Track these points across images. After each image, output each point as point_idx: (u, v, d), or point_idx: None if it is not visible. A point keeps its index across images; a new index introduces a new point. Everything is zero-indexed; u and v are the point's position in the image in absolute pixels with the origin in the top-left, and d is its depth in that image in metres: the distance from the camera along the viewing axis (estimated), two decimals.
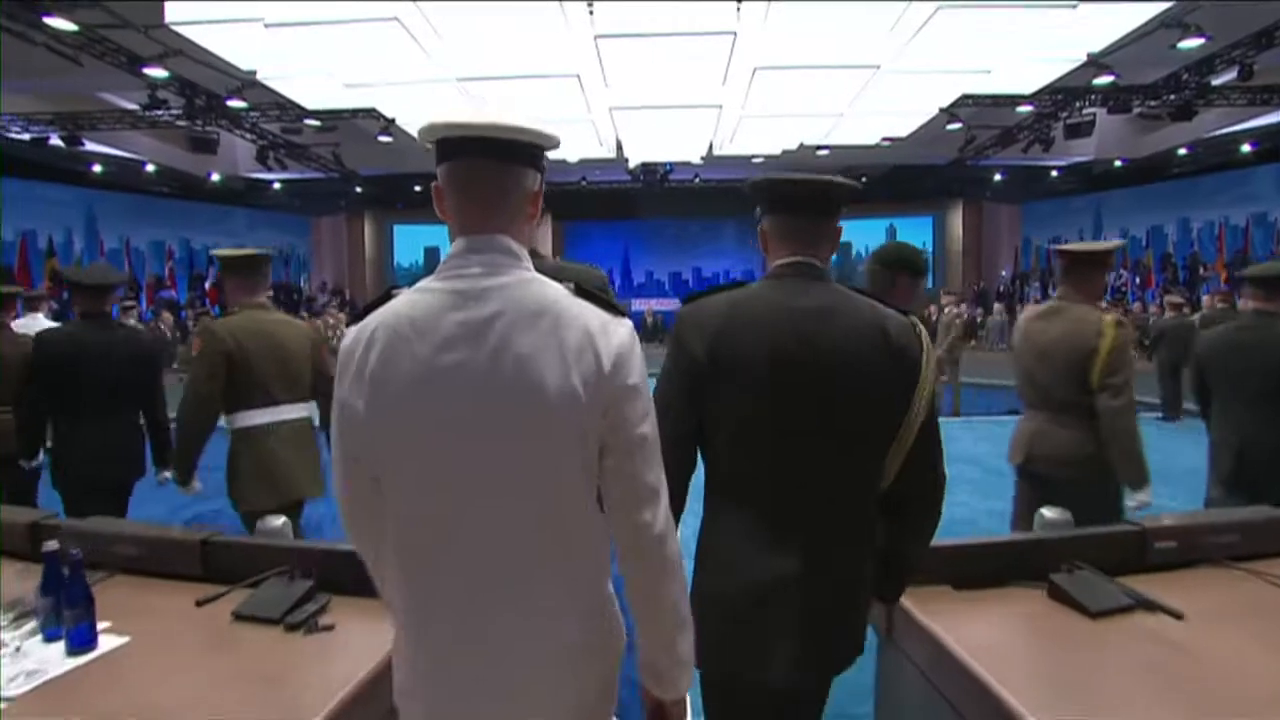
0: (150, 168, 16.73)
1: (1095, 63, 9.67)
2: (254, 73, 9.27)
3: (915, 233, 20.43)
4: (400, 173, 18.62)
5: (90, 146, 15.52)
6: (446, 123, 1.13)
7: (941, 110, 10.53)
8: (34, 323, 5.62)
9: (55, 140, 14.00)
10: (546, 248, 21.82)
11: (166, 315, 13.17)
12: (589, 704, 1.17)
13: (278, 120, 13.29)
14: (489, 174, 1.15)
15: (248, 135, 14.39)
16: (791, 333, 1.41)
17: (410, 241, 21.13)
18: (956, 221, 20.10)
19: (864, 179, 19.72)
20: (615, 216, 22.11)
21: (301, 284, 20.47)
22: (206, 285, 18.68)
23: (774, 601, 1.40)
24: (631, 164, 16.45)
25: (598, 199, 21.36)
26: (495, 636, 1.11)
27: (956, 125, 13.00)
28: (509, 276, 1.12)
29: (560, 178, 19.62)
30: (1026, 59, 7.71)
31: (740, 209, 22.27)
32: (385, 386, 1.08)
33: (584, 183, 19.45)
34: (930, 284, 20.69)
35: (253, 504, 2.80)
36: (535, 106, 8.66)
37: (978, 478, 6.39)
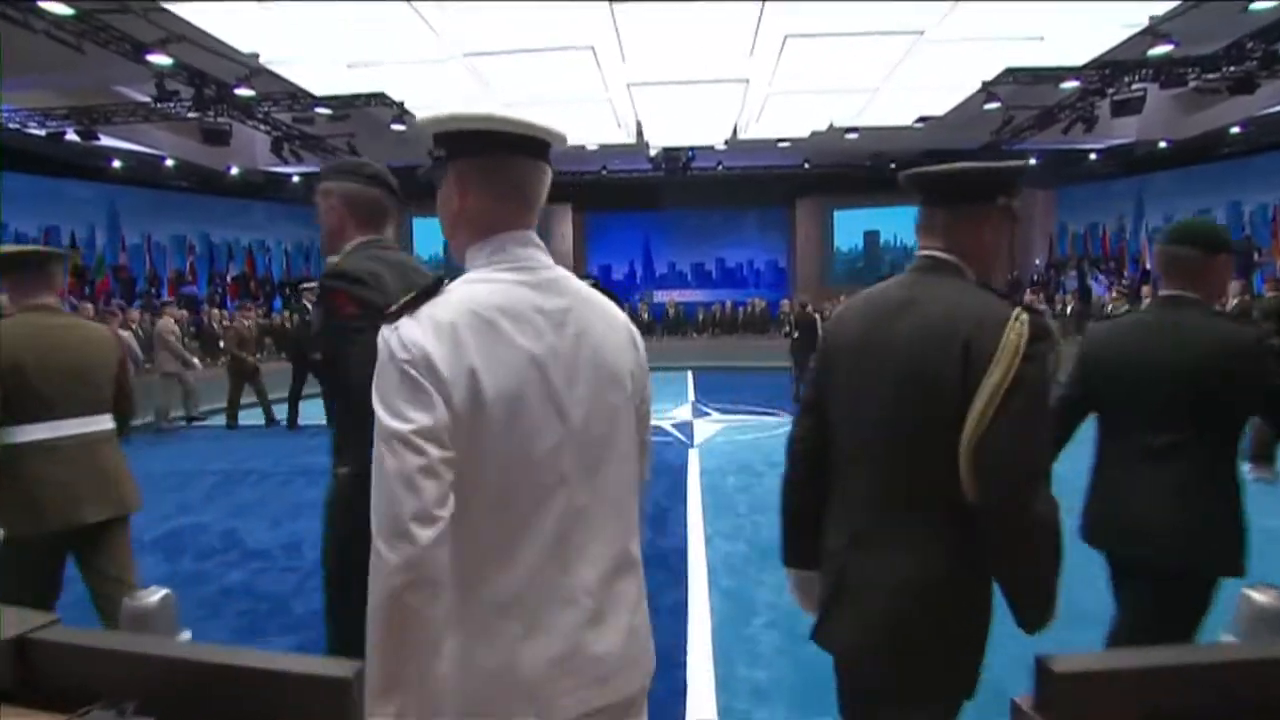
0: (170, 162, 16.49)
1: (1153, 30, 8.84)
2: (256, 55, 8.79)
3: None
4: (418, 164, 17.83)
5: (110, 142, 15.29)
6: (506, 119, 1.13)
7: (983, 85, 9.74)
8: None
9: (72, 135, 13.68)
10: (567, 239, 21.26)
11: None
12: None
13: (289, 110, 12.82)
14: (539, 174, 1.18)
15: (261, 127, 13.94)
16: (869, 327, 1.42)
17: (430, 233, 20.61)
18: None
19: (894, 164, 18.88)
20: (636, 207, 21.44)
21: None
22: (228, 280, 18.36)
23: (827, 571, 1.46)
24: (652, 151, 15.76)
25: (618, 189, 20.73)
26: (607, 599, 1.12)
27: (994, 105, 12.15)
28: (558, 270, 1.17)
29: (580, 167, 19.01)
30: (1083, 24, 6.93)
31: (763, 199, 21.51)
32: (493, 375, 1.02)
33: (604, 172, 18.80)
34: None
35: (10, 528, 2.36)
36: (548, 83, 8.05)
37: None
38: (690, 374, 13.80)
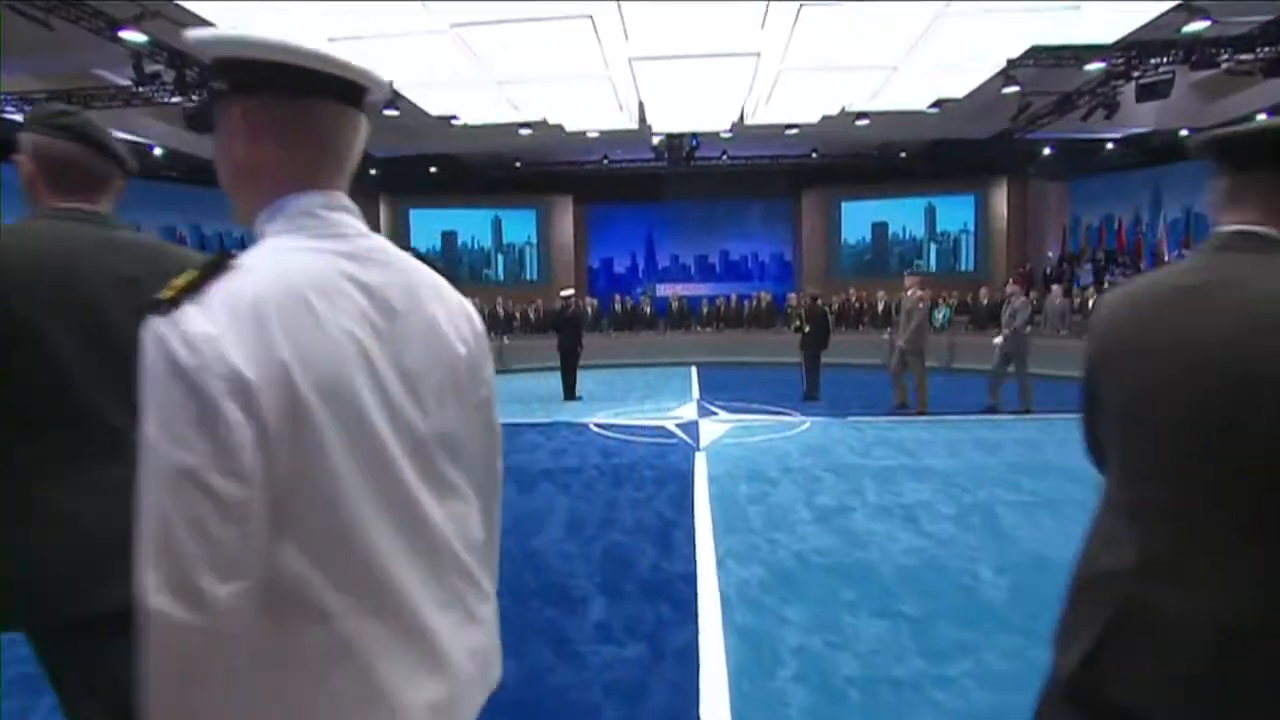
0: (158, 151, 15.92)
1: (1189, 4, 8.23)
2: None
3: (957, 212, 18.90)
4: (413, 154, 17.54)
5: None
6: (312, 52, 0.89)
7: (1007, 64, 9.12)
8: None
9: None
10: (568, 232, 20.67)
11: None
12: None
13: None
14: (353, 125, 0.96)
15: None
16: (1159, 316, 1.14)
17: (426, 225, 20.03)
18: (1000, 200, 18.49)
19: (904, 154, 18.24)
20: (638, 199, 20.80)
21: None
22: None
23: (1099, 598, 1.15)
24: (655, 139, 15.13)
25: (620, 180, 20.10)
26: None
27: (1013, 89, 11.51)
28: (376, 238, 0.97)
29: (581, 158, 18.39)
30: None
31: (768, 190, 20.88)
32: (310, 369, 0.80)
33: (606, 162, 18.16)
34: (973, 266, 19.17)
35: None
36: (544, 57, 7.43)
37: (1092, 500, 5.02)
38: (694, 370, 13.21)
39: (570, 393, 9.79)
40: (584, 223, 21.00)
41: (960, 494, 5.12)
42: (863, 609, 3.30)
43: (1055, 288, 12.82)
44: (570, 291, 10.35)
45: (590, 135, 14.42)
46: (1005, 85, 11.38)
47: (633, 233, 21.26)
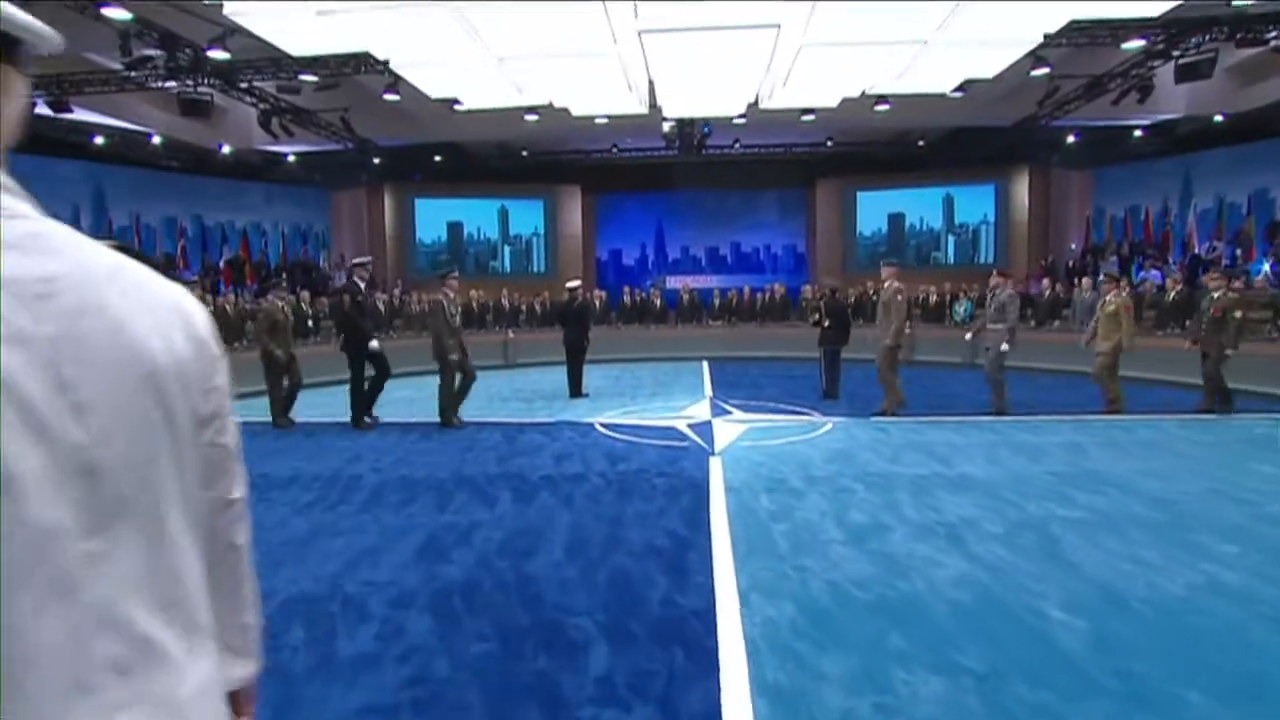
0: (157, 139, 15.44)
1: None
2: (219, 5, 7.66)
3: (976, 202, 18.21)
4: (419, 143, 17.01)
5: (93, 117, 14.27)
6: None
7: (1043, 38, 8.47)
8: None
9: (43, 109, 12.61)
10: (576, 222, 20.12)
11: None
12: None
13: (273, 78, 11.68)
14: (5, 84, 0.78)
15: (246, 99, 12.82)
16: None
17: (432, 215, 19.50)
18: (1021, 190, 17.80)
19: (921, 142, 17.56)
20: (648, 189, 20.21)
21: (320, 262, 19.00)
22: (220, 264, 17.31)
23: None
24: (666, 126, 14.52)
25: (629, 170, 19.53)
26: None
27: (1042, 71, 10.85)
28: (49, 223, 0.79)
29: (589, 146, 17.81)
30: None
31: (781, 180, 20.23)
32: None
33: (615, 151, 17.57)
34: (993, 258, 18.45)
35: None
36: (548, 31, 6.87)
37: (1155, 519, 4.44)
38: (706, 365, 12.65)
39: (576, 389, 9.27)
40: (592, 213, 20.43)
41: (1006, 509, 4.55)
42: (916, 661, 2.75)
43: (1085, 280, 12.14)
44: (577, 283, 9.80)
45: (599, 121, 13.85)
46: (1034, 67, 10.74)
47: (642, 223, 20.67)
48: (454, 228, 19.57)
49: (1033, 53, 9.85)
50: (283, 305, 7.76)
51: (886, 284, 8.00)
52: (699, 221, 20.54)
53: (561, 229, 19.85)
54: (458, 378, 7.48)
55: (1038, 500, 4.71)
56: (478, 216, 19.61)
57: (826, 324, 9.04)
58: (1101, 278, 8.19)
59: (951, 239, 18.48)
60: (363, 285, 7.43)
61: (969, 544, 3.95)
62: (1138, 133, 14.89)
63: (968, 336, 8.28)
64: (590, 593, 3.41)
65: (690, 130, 15.30)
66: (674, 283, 19.06)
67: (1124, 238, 16.33)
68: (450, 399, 7.39)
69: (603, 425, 7.44)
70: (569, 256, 19.62)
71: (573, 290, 9.54)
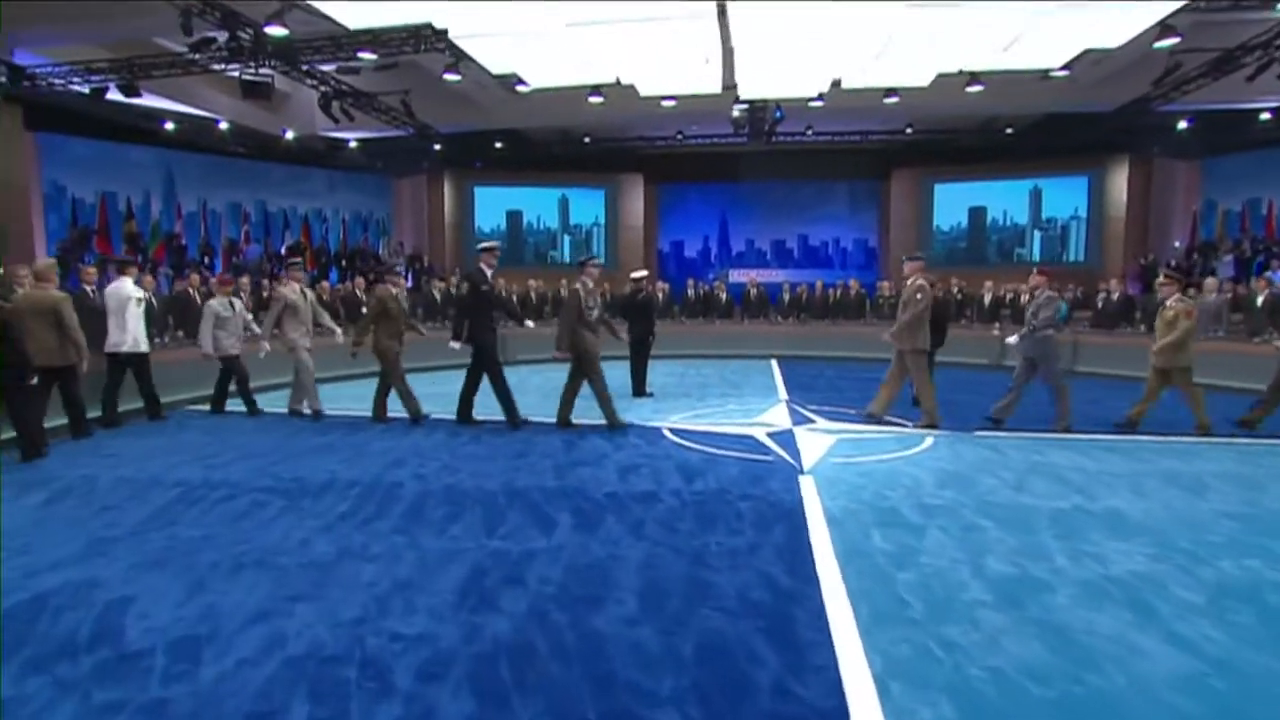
0: (224, 125, 15.26)
1: None
2: None
3: (1065, 195, 16.72)
4: (480, 129, 16.43)
5: (164, 104, 14.12)
6: None
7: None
8: (123, 287, 6.88)
9: (114, 94, 12.44)
10: (637, 211, 19.29)
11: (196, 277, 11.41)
12: None
13: (332, 57, 11.18)
14: None
15: (307, 81, 12.38)
16: None
17: (492, 203, 18.97)
18: (1119, 182, 16.23)
19: (1010, 130, 16.15)
20: (713, 179, 19.29)
21: (380, 249, 18.67)
22: (282, 249, 17.10)
23: None
24: (736, 111, 13.56)
25: (694, 159, 18.64)
26: None
27: (1169, 41, 9.50)
28: None
29: (653, 133, 16.94)
30: None
31: (853, 170, 18.99)
32: None
33: (680, 138, 16.67)
34: (1083, 257, 16.92)
35: None
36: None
37: None
38: (775, 364, 11.71)
39: (640, 388, 8.47)
40: (654, 203, 19.60)
41: (1192, 564, 3.56)
42: None
43: (1209, 280, 10.74)
44: (643, 274, 9.01)
45: (665, 104, 12.99)
46: (1160, 37, 9.41)
47: (705, 215, 19.76)
48: (513, 216, 19.00)
49: (1164, 20, 8.60)
50: (396, 292, 7.09)
51: (909, 280, 7.00)
52: (765, 213, 19.51)
53: (623, 219, 19.09)
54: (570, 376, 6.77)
55: (1229, 554, 3.68)
56: (538, 205, 19.00)
57: None
58: (1160, 278, 6.97)
59: (1038, 234, 17.03)
60: (489, 272, 6.74)
61: (1165, 618, 2.99)
62: (1265, 116, 13.23)
63: (1010, 340, 7.21)
64: (676, 670, 2.59)
65: (761, 115, 14.30)
66: (737, 276, 18.11)
67: (1241, 234, 14.66)
68: (605, 399, 6.59)
69: (672, 431, 6.62)
70: (630, 247, 18.85)
71: (637, 281, 8.74)
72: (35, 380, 5.50)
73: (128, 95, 12.31)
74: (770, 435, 6.42)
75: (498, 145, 17.28)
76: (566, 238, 19.03)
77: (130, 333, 6.79)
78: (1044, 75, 11.54)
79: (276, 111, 16.02)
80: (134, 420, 7.09)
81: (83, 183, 14.78)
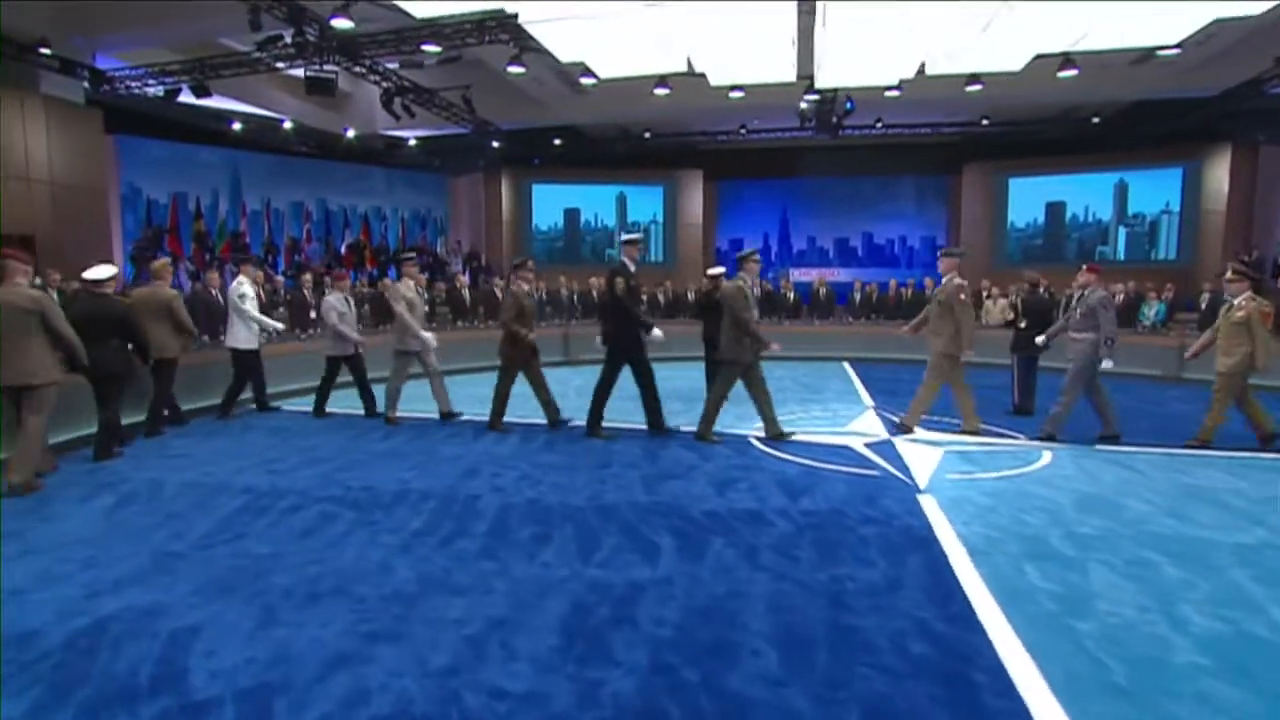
0: (288, 124, 15.28)
1: None
2: None
3: (1156, 188, 15.58)
4: (539, 126, 16.11)
5: (231, 105, 14.18)
6: None
7: None
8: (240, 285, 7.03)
9: (186, 95, 12.48)
10: (696, 209, 18.73)
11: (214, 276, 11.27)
12: None
13: (395, 51, 10.93)
14: None
15: (369, 77, 12.19)
16: None
17: (549, 202, 18.67)
18: (1219, 173, 15.02)
19: (1097, 119, 15.12)
20: (773, 175, 18.64)
21: (438, 247, 18.53)
22: (342, 248, 17.08)
23: None
24: (804, 103, 12.92)
25: (754, 155, 18.03)
26: None
27: None
28: None
29: (715, 128, 16.38)
30: None
31: (920, 165, 18.14)
32: None
33: (742, 133, 16.07)
34: (1173, 254, 15.75)
35: None
36: None
37: None
38: (849, 367, 11.05)
39: None
40: (713, 200, 19.03)
41: None
42: None
43: None
44: (720, 270, 8.48)
45: (733, 96, 12.43)
46: None
47: (765, 212, 19.11)
48: (570, 214, 18.66)
49: None
50: (529, 289, 6.72)
51: (946, 278, 6.34)
52: (828, 210, 18.78)
53: (681, 217, 18.57)
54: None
55: None
56: (595, 203, 18.62)
57: (1024, 325, 7.33)
58: (1228, 274, 6.09)
59: (1123, 231, 15.92)
60: (633, 267, 6.30)
61: None
62: None
63: (1039, 340, 6.49)
64: None
65: (830, 106, 13.62)
66: (798, 275, 17.43)
67: None
68: (767, 405, 6.09)
69: (761, 440, 6.08)
70: (689, 245, 18.32)
71: (715, 279, 8.22)
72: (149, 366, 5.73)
73: (199, 95, 12.30)
74: (869, 446, 5.83)
75: (556, 142, 16.94)
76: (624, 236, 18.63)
77: (258, 329, 7.03)
78: (1148, 56, 10.62)
79: (338, 110, 15.98)
80: (200, 418, 6.87)
81: (157, 184, 14.95)
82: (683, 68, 9.57)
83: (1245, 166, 14.81)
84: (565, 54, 8.75)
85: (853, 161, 17.96)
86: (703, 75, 10.06)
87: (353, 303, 7.42)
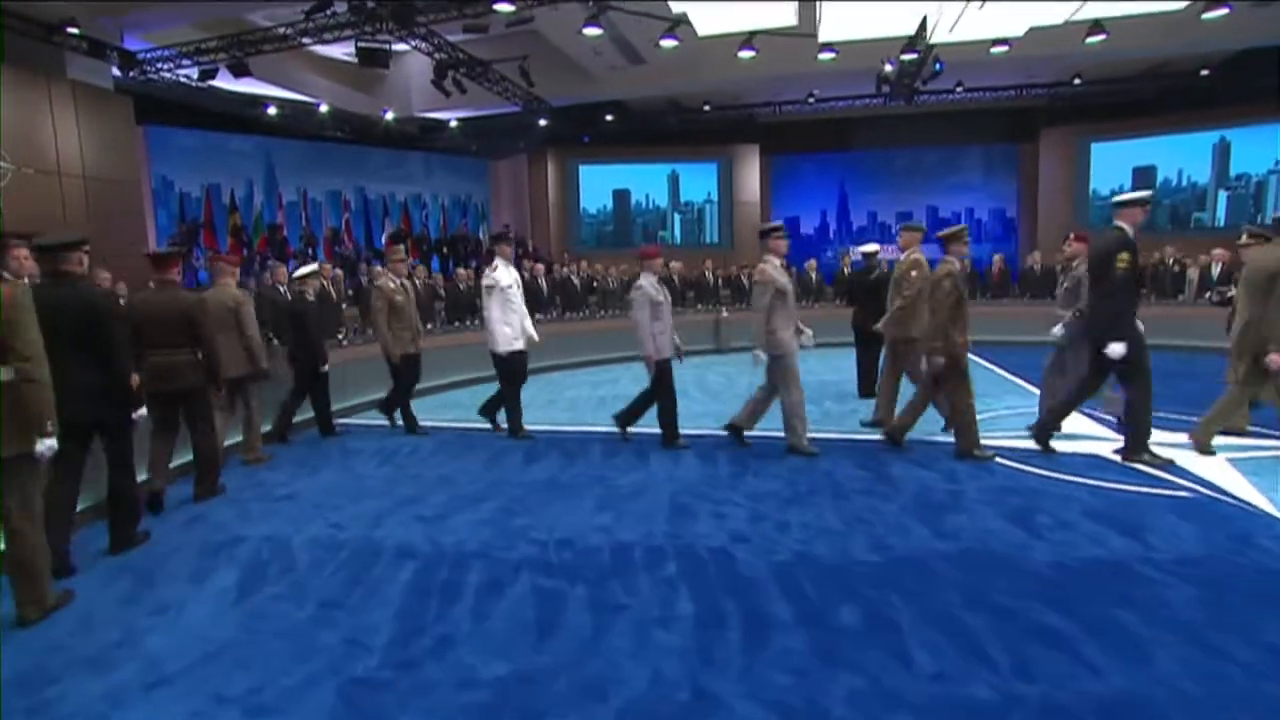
0: (324, 108, 13.97)
1: None
2: None
3: (1262, 147, 14.17)
4: (590, 102, 14.79)
5: (266, 89, 12.93)
6: None
7: None
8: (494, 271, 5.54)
9: (223, 78, 11.24)
10: (753, 186, 17.42)
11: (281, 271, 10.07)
12: None
13: (459, 15, 9.65)
14: None
15: (423, 48, 10.90)
16: None
17: (598, 183, 17.36)
18: None
19: (1205, 71, 13.69)
20: (830, 147, 17.29)
21: (480, 234, 17.28)
22: (383, 238, 15.83)
23: None
24: (888, 66, 11.56)
25: (808, 128, 16.69)
26: None
27: None
28: None
29: (777, 98, 15.00)
30: None
31: (987, 133, 16.77)
32: None
33: (811, 101, 14.70)
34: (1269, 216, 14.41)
35: None
36: None
37: None
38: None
39: (869, 387, 6.76)
40: (767, 176, 17.70)
41: None
42: None
43: None
44: (875, 248, 7.31)
45: (823, 58, 11.06)
46: None
47: (823, 187, 17.75)
48: (620, 196, 17.36)
49: None
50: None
51: (905, 254, 5.61)
52: (888, 183, 17.42)
53: (737, 194, 17.25)
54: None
55: None
56: (646, 183, 17.30)
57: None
58: (1243, 238, 5.00)
59: (1223, 195, 14.55)
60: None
61: None
62: None
63: (1056, 331, 5.21)
64: None
65: (916, 68, 12.26)
66: (858, 256, 16.15)
67: None
68: (967, 415, 4.79)
69: (983, 455, 4.88)
70: (746, 224, 17.02)
71: (870, 256, 7.04)
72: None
73: (237, 75, 11.02)
74: (1118, 452, 4.63)
75: (609, 118, 15.61)
76: (677, 216, 17.30)
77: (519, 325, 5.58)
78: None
79: (373, 92, 14.71)
80: (299, 432, 5.72)
81: (188, 175, 13.71)
82: (790, 21, 8.28)
83: None
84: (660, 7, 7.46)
85: (915, 131, 16.61)
86: (800, 36, 8.78)
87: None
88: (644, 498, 4.01)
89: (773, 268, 4.88)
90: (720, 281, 12.09)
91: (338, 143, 15.45)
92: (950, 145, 16.93)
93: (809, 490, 4.07)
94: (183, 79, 11.64)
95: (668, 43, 9.87)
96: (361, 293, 9.65)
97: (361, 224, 15.90)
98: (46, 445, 2.73)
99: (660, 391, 5.14)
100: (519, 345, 5.48)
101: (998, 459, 4.60)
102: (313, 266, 5.19)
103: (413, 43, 10.60)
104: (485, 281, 5.48)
